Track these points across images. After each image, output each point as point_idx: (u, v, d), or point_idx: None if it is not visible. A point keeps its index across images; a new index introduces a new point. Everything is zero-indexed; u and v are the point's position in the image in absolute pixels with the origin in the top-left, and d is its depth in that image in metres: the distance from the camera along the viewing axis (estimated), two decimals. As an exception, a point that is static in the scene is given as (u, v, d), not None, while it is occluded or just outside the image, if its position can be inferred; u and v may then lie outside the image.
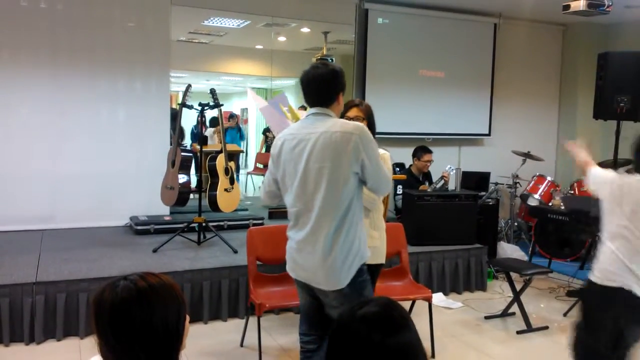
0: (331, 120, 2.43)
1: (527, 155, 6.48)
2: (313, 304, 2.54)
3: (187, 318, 1.39)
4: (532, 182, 6.52)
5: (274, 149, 2.54)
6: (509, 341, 3.98)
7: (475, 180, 6.54)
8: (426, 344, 3.71)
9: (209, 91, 4.45)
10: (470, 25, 7.13)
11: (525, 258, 5.63)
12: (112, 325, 1.28)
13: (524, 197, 6.48)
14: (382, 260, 2.95)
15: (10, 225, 5.04)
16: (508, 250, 5.92)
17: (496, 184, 6.81)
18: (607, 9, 5.26)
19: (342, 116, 2.87)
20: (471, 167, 6.96)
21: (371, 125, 2.91)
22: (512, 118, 7.58)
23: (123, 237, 5.05)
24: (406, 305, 4.13)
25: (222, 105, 4.41)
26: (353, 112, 2.92)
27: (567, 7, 5.35)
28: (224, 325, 4.03)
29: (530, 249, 5.89)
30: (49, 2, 5.18)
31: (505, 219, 6.69)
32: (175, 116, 4.92)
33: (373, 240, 2.85)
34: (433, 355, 3.64)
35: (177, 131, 4.57)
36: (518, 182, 6.59)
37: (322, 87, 2.46)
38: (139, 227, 5.09)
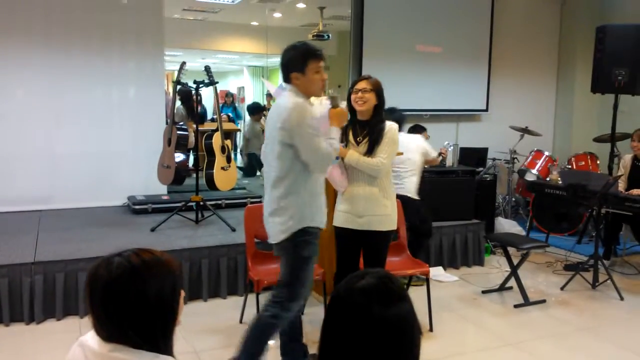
0: (284, 95, 2.67)
1: (524, 131, 6.47)
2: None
3: (182, 294, 1.39)
4: (530, 157, 6.52)
5: None
6: (506, 315, 4.01)
7: (474, 157, 6.54)
8: (424, 319, 3.74)
9: (203, 68, 4.41)
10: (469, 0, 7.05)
11: (523, 233, 5.66)
12: (105, 302, 1.27)
13: (522, 173, 6.49)
14: (394, 226, 3.18)
15: (7, 206, 5.03)
16: (506, 225, 5.94)
17: (494, 159, 6.81)
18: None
19: (352, 87, 3.10)
20: (470, 143, 6.95)
21: (380, 98, 3.08)
22: (509, 93, 7.54)
23: (121, 216, 5.05)
24: (404, 280, 4.16)
25: (217, 82, 4.37)
26: (361, 85, 3.07)
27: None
28: (223, 303, 4.05)
29: (528, 224, 5.91)
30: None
31: (503, 194, 6.70)
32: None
33: (386, 208, 3.09)
34: (431, 329, 3.67)
35: (172, 109, 4.53)
36: (516, 158, 6.59)
37: (283, 65, 2.69)
38: (137, 207, 5.09)
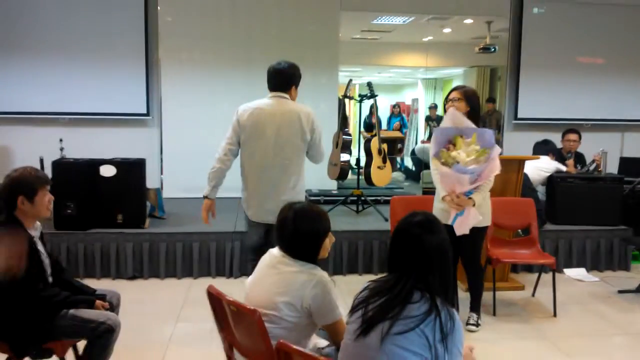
0: (290, 102, 3.40)
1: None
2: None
3: (330, 237, 2.28)
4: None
5: (240, 118, 3.41)
6: (633, 311, 4.21)
7: (636, 166, 6.46)
8: (549, 307, 4.15)
9: (366, 84, 5.31)
10: (633, 12, 6.99)
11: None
12: (288, 230, 2.20)
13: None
14: (487, 223, 3.68)
15: (217, 193, 6.43)
16: (667, 237, 5.84)
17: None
18: None
19: (446, 98, 3.58)
20: (637, 153, 6.85)
21: (471, 104, 3.51)
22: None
23: (299, 205, 6.17)
24: (533, 276, 4.61)
25: (377, 95, 5.22)
26: (452, 95, 3.57)
27: None
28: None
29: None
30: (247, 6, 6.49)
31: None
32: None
33: (480, 207, 3.52)
34: (555, 315, 4.08)
35: (340, 117, 5.51)
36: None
37: (284, 79, 3.40)
38: (312, 198, 6.17)
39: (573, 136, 5.75)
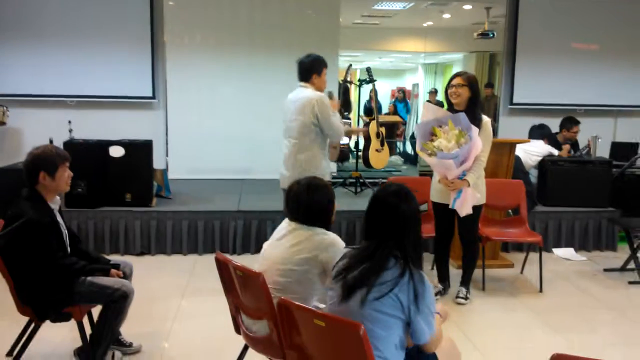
0: (307, 90, 3.85)
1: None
2: None
3: (336, 205, 2.51)
4: (692, 153, 6.44)
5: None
6: (616, 288, 4.43)
7: (625, 151, 6.65)
8: (536, 283, 4.37)
9: (365, 69, 5.48)
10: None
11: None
12: (297, 202, 2.44)
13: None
14: (482, 201, 3.86)
15: (221, 175, 6.68)
16: (655, 219, 6.05)
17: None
18: None
19: (448, 84, 3.72)
20: (629, 138, 7.03)
21: (473, 91, 3.67)
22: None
23: (300, 186, 6.39)
24: (523, 255, 4.85)
25: (375, 80, 5.40)
26: (455, 81, 3.70)
27: None
28: (370, 255, 5.10)
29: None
30: None
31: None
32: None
33: (476, 187, 3.73)
34: (541, 290, 4.30)
35: (340, 101, 5.68)
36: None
37: (304, 70, 3.89)
38: (312, 180, 6.37)
39: (577, 127, 5.93)
